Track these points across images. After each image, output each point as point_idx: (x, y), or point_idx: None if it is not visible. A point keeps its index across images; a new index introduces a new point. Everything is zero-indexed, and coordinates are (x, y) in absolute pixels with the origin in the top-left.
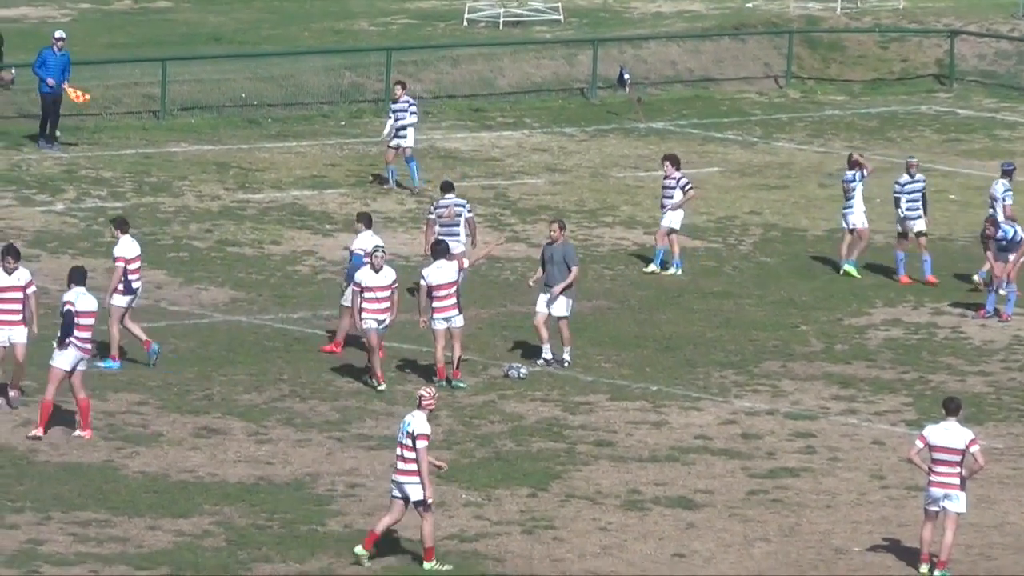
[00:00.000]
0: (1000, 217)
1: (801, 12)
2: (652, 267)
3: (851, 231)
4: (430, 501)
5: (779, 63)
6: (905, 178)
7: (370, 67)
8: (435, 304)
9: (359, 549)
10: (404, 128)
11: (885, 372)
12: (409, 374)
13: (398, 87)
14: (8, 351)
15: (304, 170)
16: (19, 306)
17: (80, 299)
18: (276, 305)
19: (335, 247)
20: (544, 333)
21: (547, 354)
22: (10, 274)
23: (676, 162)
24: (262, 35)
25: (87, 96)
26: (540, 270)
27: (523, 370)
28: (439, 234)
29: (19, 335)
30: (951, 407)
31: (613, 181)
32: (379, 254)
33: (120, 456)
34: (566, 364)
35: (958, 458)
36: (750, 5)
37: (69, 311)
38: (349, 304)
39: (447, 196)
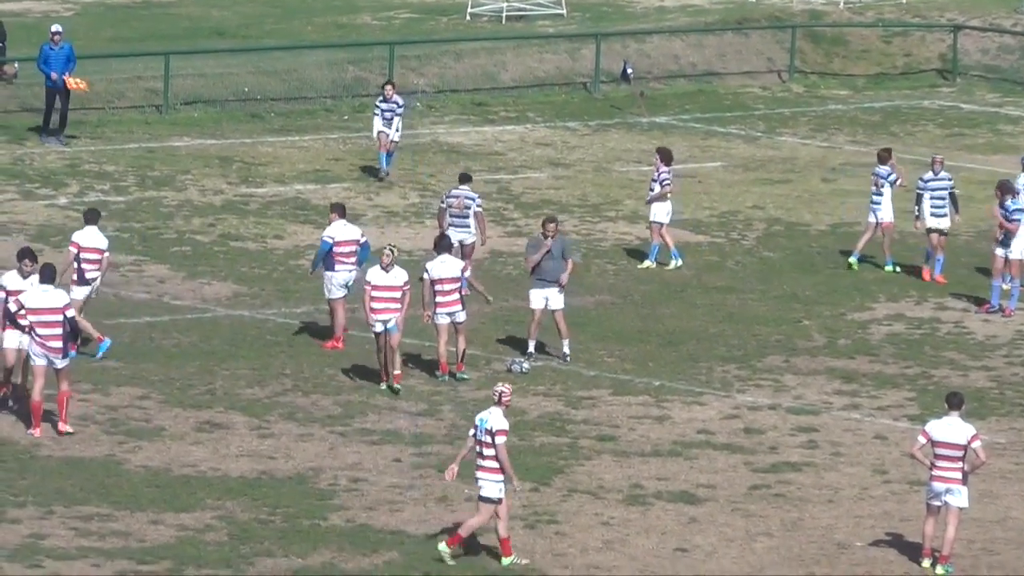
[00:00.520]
0: None
1: (804, 6)
2: (647, 263)
3: (877, 225)
4: (517, 491)
5: (782, 57)
6: (929, 175)
7: (373, 61)
8: (438, 299)
9: (443, 546)
10: (390, 121)
11: (888, 367)
12: (412, 369)
13: (389, 87)
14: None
15: (307, 164)
16: None
17: (36, 296)
18: (279, 300)
19: None
20: (536, 328)
21: (532, 348)
22: (26, 278)
23: (667, 157)
24: (265, 29)
25: (84, 83)
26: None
27: (526, 365)
28: (451, 225)
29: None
30: (953, 402)
31: (616, 175)
32: (388, 253)
33: (122, 450)
34: (567, 358)
35: (960, 453)
36: (753, 0)
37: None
38: (333, 296)
39: (461, 187)
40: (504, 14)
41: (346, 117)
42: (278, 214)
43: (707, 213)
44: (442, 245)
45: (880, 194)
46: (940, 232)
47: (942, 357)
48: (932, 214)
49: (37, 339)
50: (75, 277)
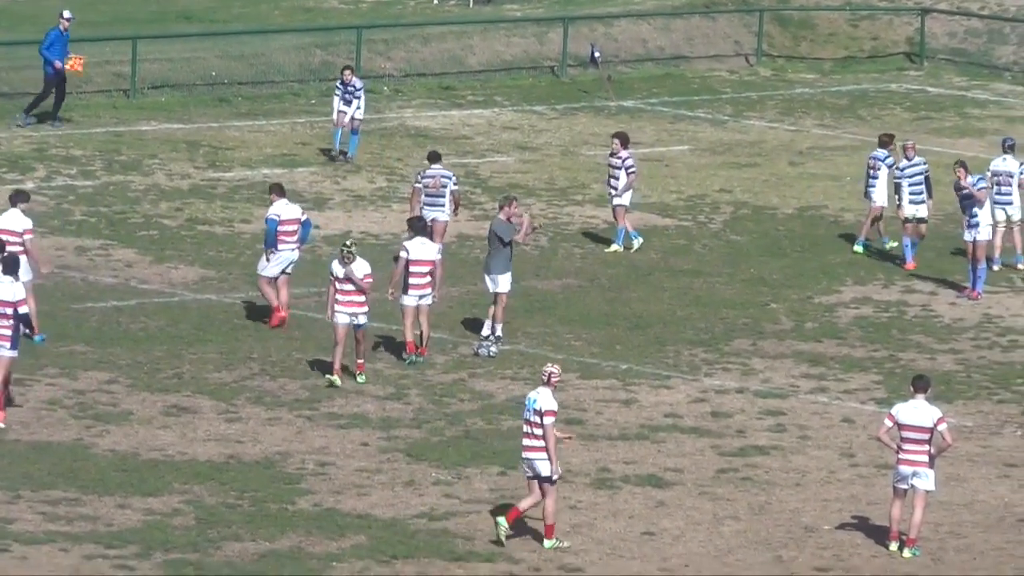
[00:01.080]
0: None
1: None
2: (615, 246)
3: (898, 206)
4: (556, 477)
5: (750, 41)
6: (904, 162)
7: (340, 45)
8: (411, 280)
9: (501, 520)
10: (349, 104)
11: (855, 350)
12: (381, 352)
13: (347, 71)
14: None
15: (274, 148)
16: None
17: None
18: (246, 284)
19: None
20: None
21: (500, 331)
22: None
23: (625, 140)
24: (232, 13)
25: (80, 63)
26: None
27: (493, 348)
28: (424, 204)
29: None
30: (920, 385)
31: (583, 159)
32: (349, 255)
33: (90, 435)
34: (500, 339)
35: (927, 436)
36: None
37: None
38: (268, 274)
39: (434, 166)
40: None
41: (313, 101)
42: (245, 198)
43: (674, 197)
44: (419, 227)
45: (876, 177)
46: (921, 220)
47: (909, 340)
48: (910, 201)
49: None
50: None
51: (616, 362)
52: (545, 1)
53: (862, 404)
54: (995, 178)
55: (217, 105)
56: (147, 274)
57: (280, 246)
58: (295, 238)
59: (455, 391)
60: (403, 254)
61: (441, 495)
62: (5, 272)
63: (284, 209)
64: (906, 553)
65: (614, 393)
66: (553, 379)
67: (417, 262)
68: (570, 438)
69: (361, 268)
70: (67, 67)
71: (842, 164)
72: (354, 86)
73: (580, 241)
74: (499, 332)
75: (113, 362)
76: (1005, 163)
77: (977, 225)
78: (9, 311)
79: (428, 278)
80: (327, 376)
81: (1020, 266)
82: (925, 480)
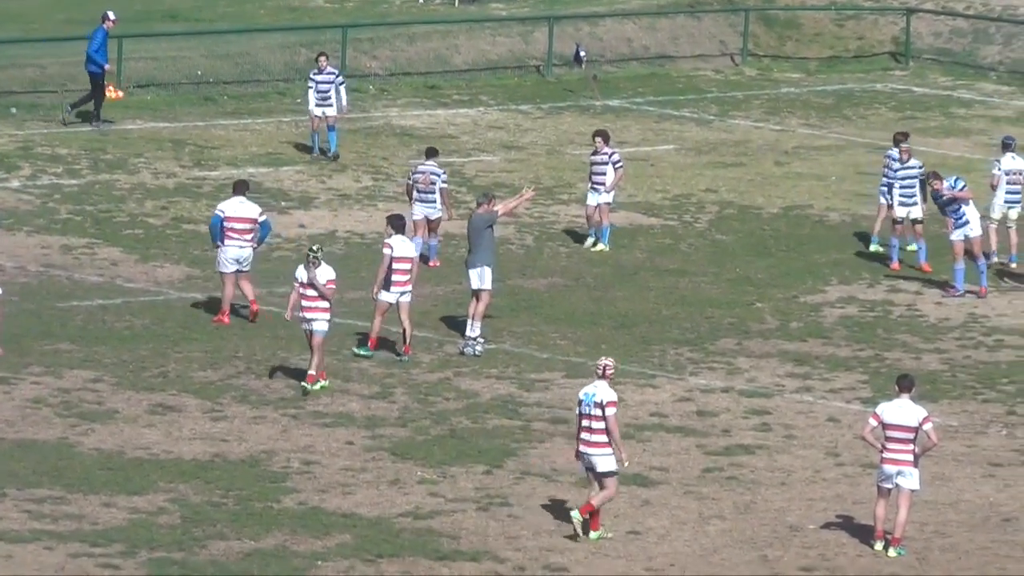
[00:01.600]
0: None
1: None
2: (600, 245)
3: (890, 207)
4: (626, 465)
5: (735, 41)
6: (897, 164)
7: (326, 44)
8: (393, 277)
9: (575, 513)
10: (328, 97)
11: (840, 350)
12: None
13: (322, 58)
14: None
15: (260, 147)
16: None
17: None
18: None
19: (291, 224)
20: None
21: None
22: None
23: (607, 137)
24: (218, 12)
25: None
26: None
27: (478, 347)
28: (416, 199)
29: None
30: (904, 384)
31: (569, 158)
32: (314, 260)
33: (75, 433)
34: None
35: (911, 435)
36: None
37: None
38: (222, 270)
39: (427, 162)
40: None
41: (299, 100)
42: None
43: (660, 196)
44: (399, 225)
45: (888, 176)
46: (915, 221)
47: (895, 340)
48: (901, 203)
49: None
50: None
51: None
52: (530, 0)
53: (847, 403)
54: (1008, 176)
55: (203, 104)
56: (133, 273)
57: (227, 242)
58: (247, 236)
59: (440, 390)
60: (387, 251)
61: (426, 494)
62: None
63: (235, 207)
64: (891, 552)
65: None
66: (608, 371)
67: (400, 259)
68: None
69: (325, 274)
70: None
71: (827, 164)
72: (333, 73)
73: (566, 240)
74: (478, 330)
75: (98, 360)
76: (1015, 161)
77: (967, 223)
78: None
79: (409, 275)
80: (303, 384)
81: (1013, 265)
82: (910, 479)
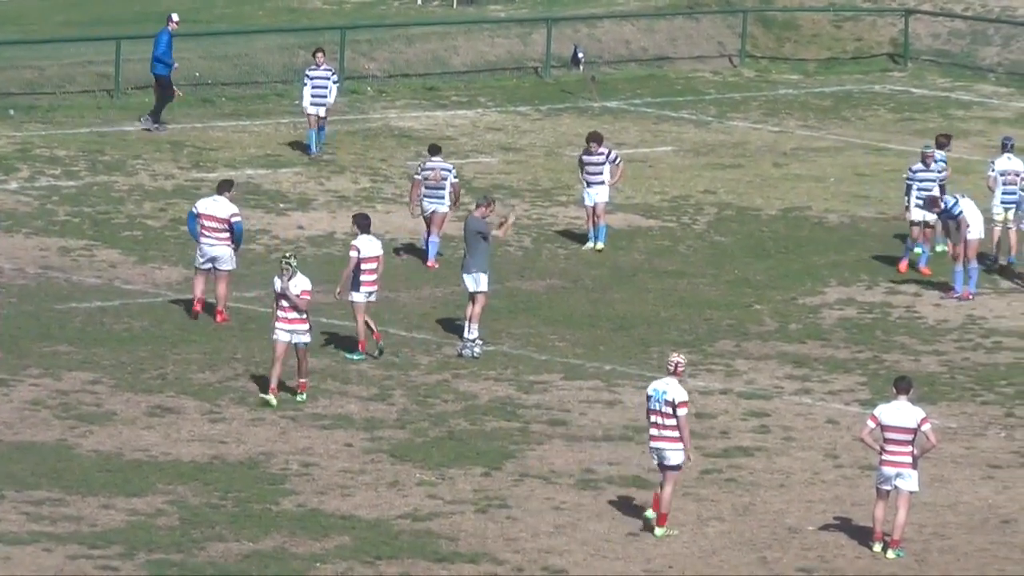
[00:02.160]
0: None
1: None
2: (599, 244)
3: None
4: (688, 462)
5: (733, 42)
6: (919, 167)
7: (324, 46)
8: (363, 277)
9: (649, 513)
10: (325, 95)
11: (839, 351)
12: (366, 359)
13: (319, 54)
14: None
15: (258, 149)
16: None
17: None
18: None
19: (289, 226)
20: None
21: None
22: None
23: (600, 139)
24: (216, 14)
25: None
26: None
27: (477, 349)
28: (424, 196)
29: None
30: (902, 386)
31: (567, 160)
32: (286, 267)
33: (74, 435)
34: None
35: (910, 437)
36: None
37: None
38: (196, 264)
39: (434, 159)
40: None
41: (297, 102)
42: (229, 199)
43: (658, 198)
44: (365, 224)
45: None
46: (927, 224)
47: (893, 342)
48: (917, 206)
49: None
50: None
51: (600, 363)
52: (529, 2)
53: (846, 405)
54: (1003, 177)
55: (201, 105)
56: (131, 274)
57: (201, 239)
58: (219, 235)
59: (439, 392)
60: (353, 253)
61: (425, 496)
62: None
63: (206, 204)
64: (890, 554)
65: (598, 394)
66: (679, 368)
67: (368, 259)
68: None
69: (299, 284)
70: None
71: (826, 165)
72: (329, 69)
73: (564, 242)
74: (476, 332)
75: (97, 362)
76: (1011, 162)
77: (968, 226)
78: None
79: (376, 275)
80: (262, 395)
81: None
82: (908, 481)
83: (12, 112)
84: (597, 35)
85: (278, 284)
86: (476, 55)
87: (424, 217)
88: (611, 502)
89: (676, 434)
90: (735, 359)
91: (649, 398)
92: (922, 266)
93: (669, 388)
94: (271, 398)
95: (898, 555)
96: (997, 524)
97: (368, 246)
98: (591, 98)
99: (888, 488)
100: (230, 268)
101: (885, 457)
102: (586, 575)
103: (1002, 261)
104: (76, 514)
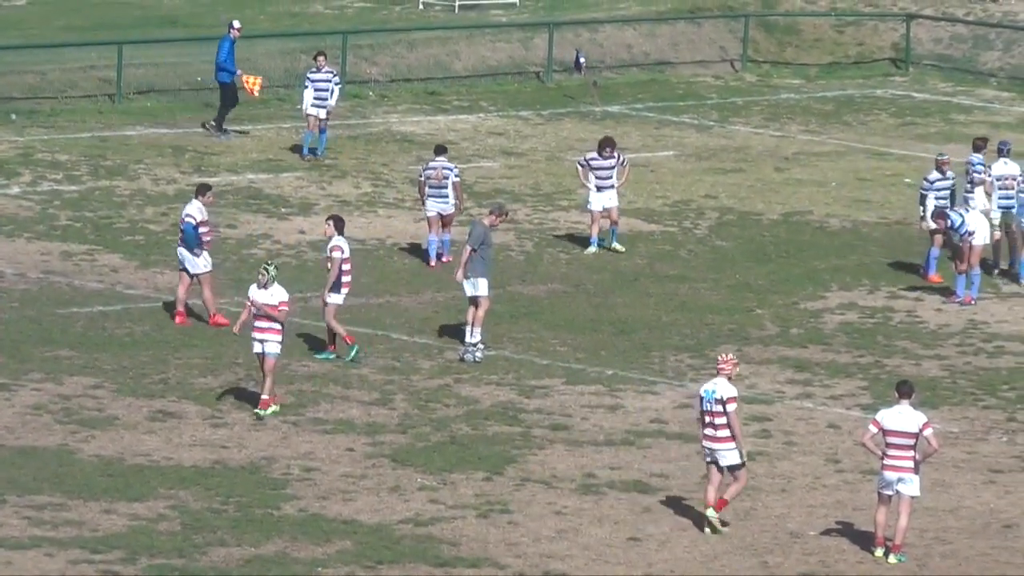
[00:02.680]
0: None
1: None
2: (616, 245)
3: (922, 218)
4: (744, 460)
5: (735, 47)
6: (935, 175)
7: (326, 50)
8: (343, 279)
9: (711, 512)
10: (326, 97)
11: (840, 356)
12: (366, 356)
13: (321, 57)
14: None
15: (260, 153)
16: None
17: None
18: (231, 289)
19: (290, 230)
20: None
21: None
22: None
23: (614, 144)
24: (218, 18)
25: (257, 83)
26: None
27: (479, 354)
28: (429, 196)
29: None
30: (904, 390)
31: (569, 164)
32: (263, 271)
33: (75, 440)
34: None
35: (912, 442)
36: None
37: None
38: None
39: (438, 159)
40: (457, 3)
41: (299, 106)
42: (231, 203)
43: (660, 202)
44: (342, 226)
45: (973, 183)
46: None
47: (895, 346)
48: (935, 214)
49: None
50: None
51: (601, 368)
52: (530, 6)
53: (847, 410)
54: (999, 182)
55: (203, 110)
56: (133, 279)
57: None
58: (180, 236)
59: (440, 396)
60: (338, 255)
61: (426, 500)
62: None
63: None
64: (891, 559)
65: (600, 399)
66: (726, 368)
67: (347, 260)
68: None
69: (277, 295)
70: (247, 88)
71: (827, 170)
72: (332, 72)
73: (566, 246)
74: (478, 336)
75: (99, 367)
76: (1007, 166)
77: (973, 233)
78: None
79: (350, 276)
80: (255, 411)
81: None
82: (910, 486)
83: (14, 117)
84: (599, 40)
85: (255, 294)
86: (478, 60)
87: (428, 219)
88: (612, 507)
89: (729, 433)
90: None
91: (701, 399)
92: (932, 274)
93: (718, 387)
94: (263, 411)
95: (900, 560)
96: (999, 529)
97: (346, 247)
98: (593, 103)
99: (890, 493)
100: (197, 271)
101: (887, 462)
102: None
103: (1003, 265)
104: (78, 519)
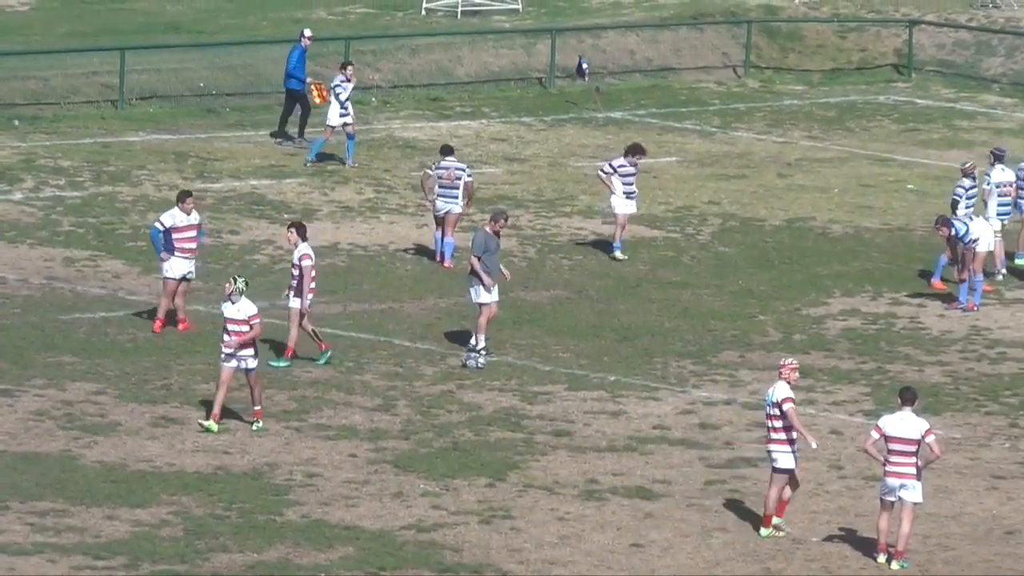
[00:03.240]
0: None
1: (760, 1)
2: (617, 254)
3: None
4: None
5: (737, 53)
6: (968, 182)
7: (329, 56)
8: (312, 284)
9: (777, 520)
10: (346, 105)
11: (843, 362)
12: (369, 363)
13: (349, 67)
14: None
15: (262, 159)
16: None
17: None
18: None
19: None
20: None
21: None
22: None
23: (645, 151)
24: (220, 24)
25: (321, 90)
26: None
27: (481, 360)
28: (439, 195)
29: None
30: (907, 397)
31: (571, 171)
32: (229, 283)
33: (78, 446)
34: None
35: (914, 448)
36: None
37: None
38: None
39: (447, 159)
40: (459, 9)
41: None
42: (233, 209)
43: (662, 208)
44: (305, 233)
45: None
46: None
47: (897, 352)
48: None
49: None
50: None
51: (604, 374)
52: (533, 13)
53: (850, 416)
54: (998, 189)
55: (205, 116)
56: (135, 285)
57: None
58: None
59: (443, 402)
60: (308, 262)
61: (429, 506)
62: None
63: (176, 218)
64: (894, 565)
65: (602, 405)
66: (784, 372)
67: (315, 266)
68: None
69: (244, 309)
70: (316, 95)
71: (830, 176)
72: (344, 77)
73: (568, 252)
74: (483, 343)
75: (101, 373)
76: (1004, 173)
77: (977, 240)
78: None
79: (315, 282)
80: (200, 422)
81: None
82: (913, 492)
83: (16, 123)
84: (601, 46)
85: (226, 309)
86: (480, 66)
87: (437, 217)
88: (615, 513)
89: (782, 436)
90: (739, 370)
91: (766, 405)
92: (936, 280)
93: (776, 390)
94: (211, 424)
95: (902, 566)
96: (1001, 535)
97: (313, 253)
98: (595, 108)
99: (892, 499)
100: (163, 276)
101: (889, 468)
102: None
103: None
104: (80, 525)
